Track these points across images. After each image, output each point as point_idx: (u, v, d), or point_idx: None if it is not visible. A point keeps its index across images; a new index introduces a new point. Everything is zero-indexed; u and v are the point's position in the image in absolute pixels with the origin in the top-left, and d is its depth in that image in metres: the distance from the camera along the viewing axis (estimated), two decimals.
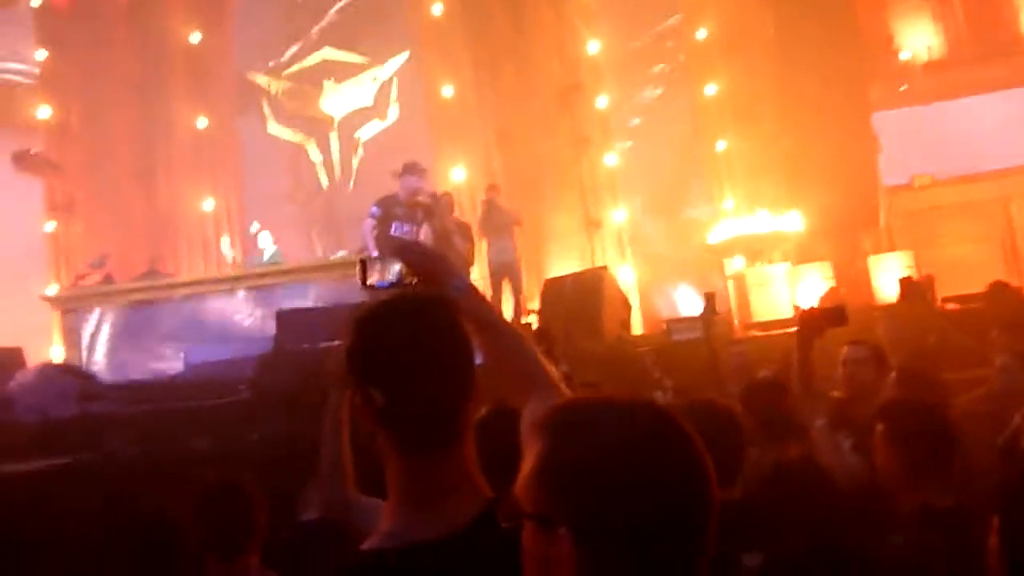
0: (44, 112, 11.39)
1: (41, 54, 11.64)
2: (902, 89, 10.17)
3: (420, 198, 6.77)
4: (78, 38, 11.34)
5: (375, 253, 6.45)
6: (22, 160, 10.25)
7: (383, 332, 1.26)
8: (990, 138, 9.42)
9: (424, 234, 6.94)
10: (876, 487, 2.24)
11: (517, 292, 8.20)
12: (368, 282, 1.63)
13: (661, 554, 0.84)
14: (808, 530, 2.07)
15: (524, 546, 0.89)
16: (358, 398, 1.25)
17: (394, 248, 1.68)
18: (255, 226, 8.86)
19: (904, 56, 10.55)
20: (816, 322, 2.98)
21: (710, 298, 4.11)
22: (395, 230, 6.56)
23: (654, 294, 10.38)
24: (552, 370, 1.48)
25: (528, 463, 0.92)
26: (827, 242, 9.97)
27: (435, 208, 6.96)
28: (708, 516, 0.87)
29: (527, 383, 1.43)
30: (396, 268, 1.62)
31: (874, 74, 10.38)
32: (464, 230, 7.69)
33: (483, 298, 1.57)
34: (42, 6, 11.63)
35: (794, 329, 3.15)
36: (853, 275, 9.11)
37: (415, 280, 1.59)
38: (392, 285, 1.64)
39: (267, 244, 8.76)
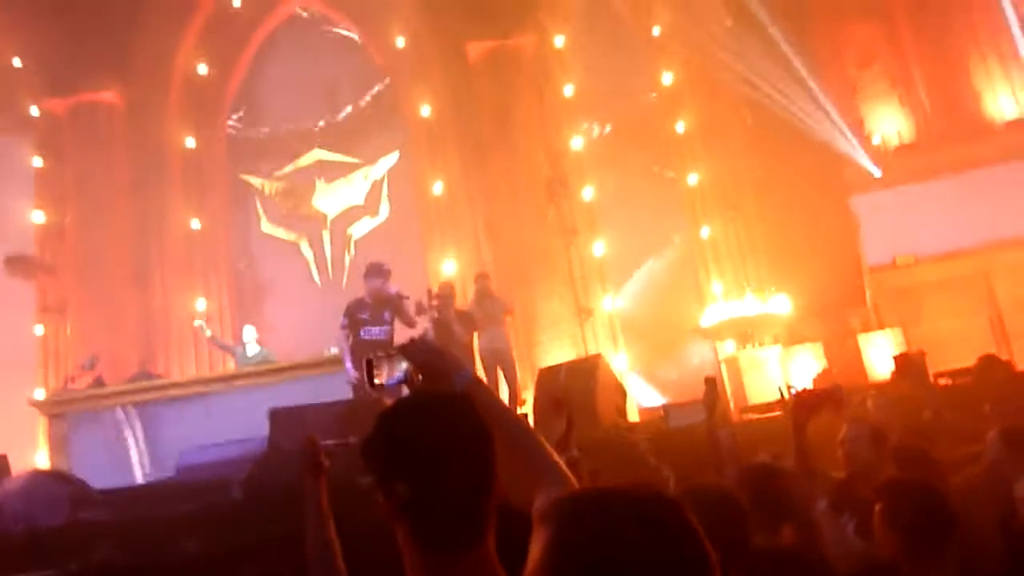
0: (38, 216, 11.57)
1: (37, 161, 11.91)
2: (877, 176, 10.52)
3: (386, 294, 6.93)
4: (74, 143, 11.65)
5: (348, 364, 6.71)
6: (15, 264, 10.34)
7: (408, 427, 1.28)
8: (966, 216, 9.69)
9: (403, 329, 7.04)
10: (876, 570, 2.22)
11: (511, 382, 8.12)
12: (375, 382, 1.67)
13: None
14: None
15: None
16: (380, 492, 1.26)
17: (399, 347, 1.72)
18: (199, 322, 8.91)
19: (876, 141, 10.95)
20: (811, 404, 3.01)
21: (711, 383, 4.11)
22: (364, 335, 6.74)
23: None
24: (558, 460, 1.50)
25: (536, 552, 0.94)
26: (815, 323, 10.09)
27: (402, 303, 7.00)
28: None
29: (535, 473, 1.45)
30: (403, 366, 1.66)
31: (848, 159, 10.75)
32: (465, 320, 7.75)
33: (488, 390, 1.61)
34: (41, 115, 11.98)
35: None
36: (844, 354, 9.17)
37: (420, 377, 1.63)
38: (399, 383, 1.67)
39: (251, 340, 8.71)
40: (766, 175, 10.94)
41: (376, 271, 7.00)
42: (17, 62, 11.98)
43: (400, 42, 12.13)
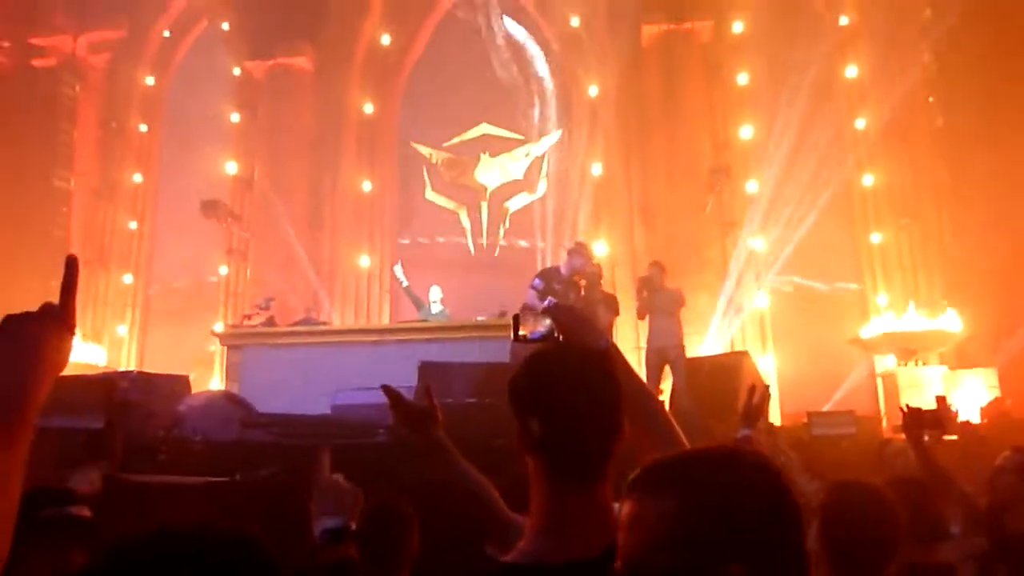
0: (231, 167, 12.70)
1: (235, 116, 13.06)
2: None
3: (578, 278, 7.15)
4: (267, 102, 12.67)
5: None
6: (209, 208, 11.42)
7: (549, 370, 1.40)
8: None
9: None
10: None
11: (678, 379, 7.43)
12: (520, 333, 1.82)
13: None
14: None
15: None
16: (519, 427, 1.39)
17: (546, 308, 1.87)
18: (399, 269, 9.22)
19: None
20: (916, 422, 2.90)
21: (754, 392, 4.01)
22: (549, 303, 6.89)
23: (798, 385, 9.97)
24: (680, 435, 1.58)
25: (652, 522, 1.01)
26: (991, 346, 9.30)
27: (592, 283, 7.21)
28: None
29: (654, 442, 1.53)
30: (546, 323, 1.81)
31: None
32: (610, 302, 7.65)
33: (624, 360, 1.71)
34: (242, 74, 13.11)
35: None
36: (1022, 383, 8.42)
37: (561, 336, 1.77)
38: (541, 338, 1.82)
39: (436, 299, 9.14)
40: (951, 182, 10.14)
41: (580, 250, 7.35)
42: (225, 26, 13.15)
43: (575, 21, 12.21)
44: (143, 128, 13.63)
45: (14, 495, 0.93)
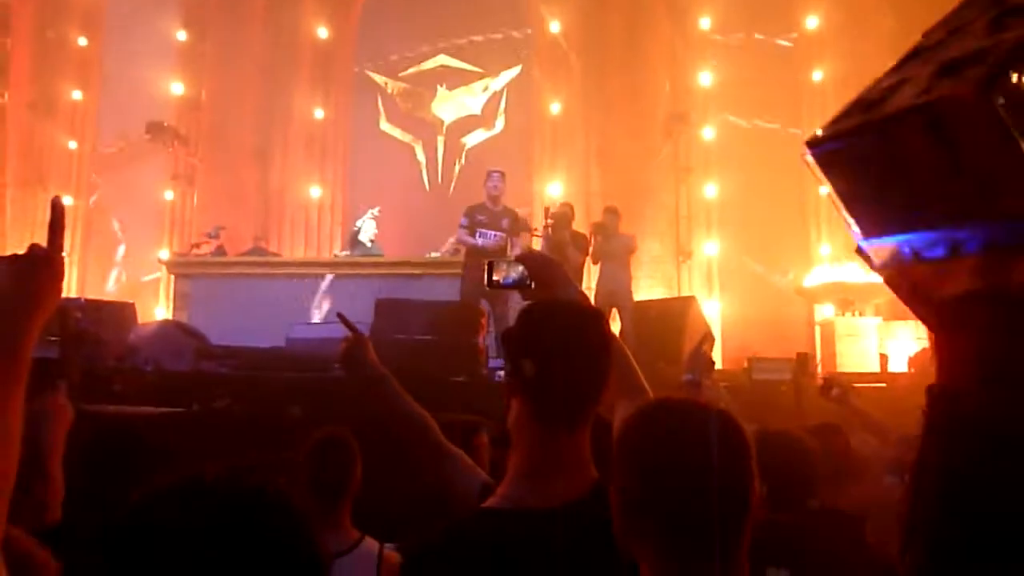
0: (177, 88, 12.20)
1: (181, 35, 12.48)
2: None
3: (509, 207, 7.39)
4: (217, 22, 12.13)
5: (478, 240, 7.15)
6: (155, 130, 11.02)
7: (546, 318, 1.48)
8: None
9: (514, 240, 7.40)
10: None
11: (625, 321, 7.64)
12: (493, 279, 1.88)
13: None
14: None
15: None
16: (509, 369, 1.45)
17: (519, 255, 1.93)
18: (372, 212, 9.11)
19: None
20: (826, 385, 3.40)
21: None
22: (479, 236, 7.01)
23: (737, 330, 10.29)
24: (642, 378, 1.72)
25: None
26: None
27: (520, 218, 7.32)
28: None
29: (623, 384, 1.66)
30: (519, 270, 1.87)
31: None
32: (580, 241, 7.71)
33: (591, 305, 1.79)
34: None
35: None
36: None
37: (532, 283, 1.84)
38: (513, 284, 1.88)
39: (368, 232, 9.03)
40: None
41: (491, 174, 7.45)
42: None
43: None
44: (83, 41, 12.92)
45: (17, 425, 1.01)
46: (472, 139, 12.57)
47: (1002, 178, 0.64)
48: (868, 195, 0.77)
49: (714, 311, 10.48)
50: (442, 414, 2.24)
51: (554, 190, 11.24)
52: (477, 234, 7.14)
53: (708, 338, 6.97)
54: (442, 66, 12.62)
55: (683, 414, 1.18)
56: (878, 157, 0.74)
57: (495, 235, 7.19)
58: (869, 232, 0.78)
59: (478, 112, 12.61)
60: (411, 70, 12.72)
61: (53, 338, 3.99)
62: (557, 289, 1.78)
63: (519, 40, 12.38)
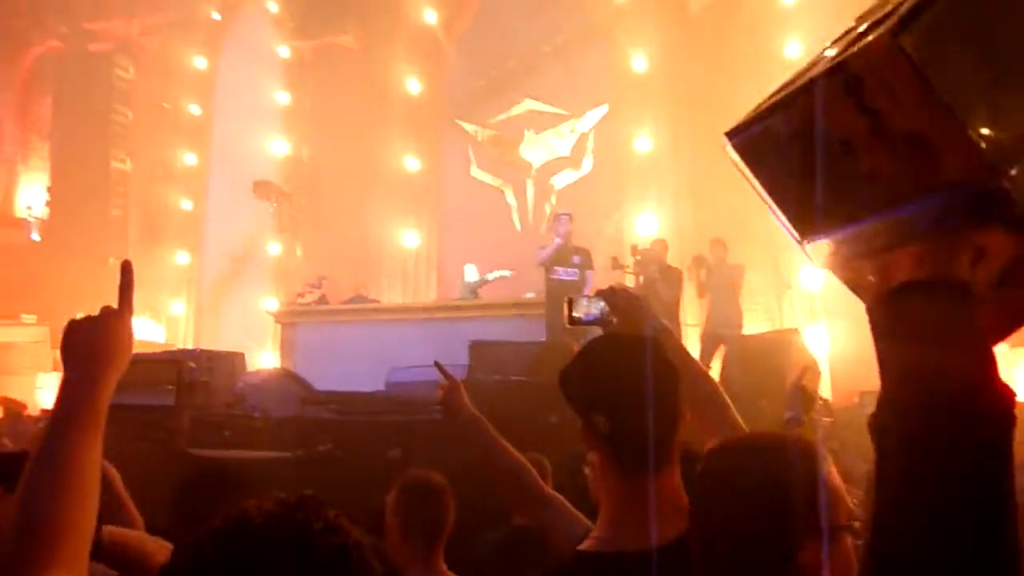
0: (281, 146, 12.91)
1: (283, 97, 13.24)
2: None
3: (577, 244, 7.72)
4: (315, 84, 12.83)
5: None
6: (260, 188, 11.64)
7: (606, 365, 1.44)
8: None
9: (589, 276, 7.68)
10: None
11: (730, 359, 7.22)
12: (573, 315, 1.87)
13: None
14: None
15: None
16: (582, 423, 1.44)
17: (600, 290, 1.91)
18: (470, 271, 9.48)
19: None
20: None
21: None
22: (554, 275, 7.47)
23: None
24: (734, 412, 1.65)
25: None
26: None
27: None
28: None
29: (712, 420, 1.61)
30: (600, 306, 1.85)
31: None
32: (672, 277, 7.65)
33: (678, 343, 1.74)
34: (289, 54, 13.27)
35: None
36: None
37: (614, 319, 1.81)
38: (595, 321, 1.86)
39: (473, 277, 9.30)
40: None
41: (558, 217, 7.85)
42: (272, 7, 13.29)
43: None
44: (195, 109, 13.91)
45: (95, 474, 1.09)
46: (561, 180, 12.68)
47: (933, 137, 0.54)
48: (795, 185, 0.67)
49: (821, 344, 10.05)
50: (529, 453, 2.24)
51: (646, 227, 11.15)
52: (553, 272, 7.37)
53: (809, 373, 6.69)
54: (529, 111, 12.84)
55: (758, 449, 1.14)
56: (797, 137, 0.64)
57: (569, 272, 7.40)
58: (806, 232, 0.68)
59: (567, 154, 12.73)
60: (500, 117, 13.01)
61: (169, 387, 4.24)
62: (640, 324, 1.75)
63: (605, 80, 12.48)
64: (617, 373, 1.42)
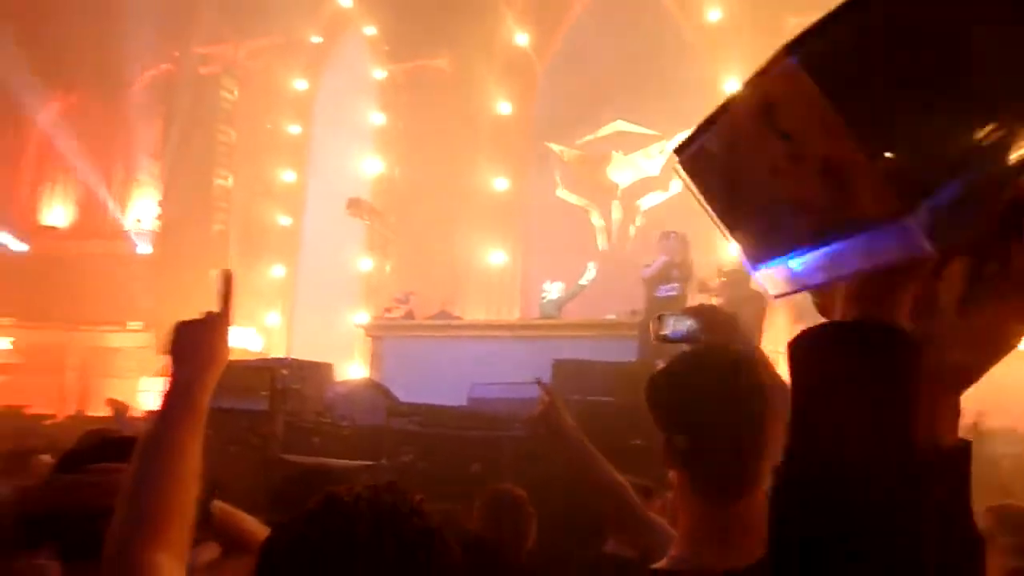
0: (374, 165, 13.30)
1: (378, 118, 13.66)
2: None
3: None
4: (409, 105, 13.19)
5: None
6: (354, 206, 12.00)
7: (689, 384, 1.40)
8: None
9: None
10: None
11: None
12: (661, 333, 1.84)
13: None
14: None
15: None
16: (664, 441, 1.40)
17: (690, 307, 1.89)
18: (549, 287, 9.50)
19: None
20: None
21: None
22: (658, 292, 7.17)
23: None
24: None
25: None
26: None
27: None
28: None
29: None
30: (688, 323, 1.82)
31: None
32: (756, 301, 7.53)
33: (767, 361, 1.69)
34: (385, 77, 13.71)
35: None
36: None
37: (703, 337, 1.78)
38: (683, 338, 1.83)
39: (554, 294, 9.32)
40: None
41: (667, 235, 7.96)
42: (370, 31, 13.77)
43: (714, 15, 11.92)
44: (295, 129, 14.51)
45: (196, 464, 1.16)
46: (647, 201, 12.57)
47: (843, 165, 0.48)
48: (735, 210, 0.61)
49: None
50: (632, 476, 2.21)
51: (734, 250, 10.91)
52: (658, 289, 7.35)
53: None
54: (618, 131, 12.81)
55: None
56: (728, 156, 0.59)
57: (670, 287, 7.37)
58: (753, 256, 0.61)
59: (655, 174, 12.62)
60: (587, 137, 13.02)
61: (264, 393, 4.40)
62: (730, 342, 1.72)
63: (696, 100, 12.33)
64: (700, 391, 1.37)
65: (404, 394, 6.42)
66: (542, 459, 4.62)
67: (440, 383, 7.26)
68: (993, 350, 0.56)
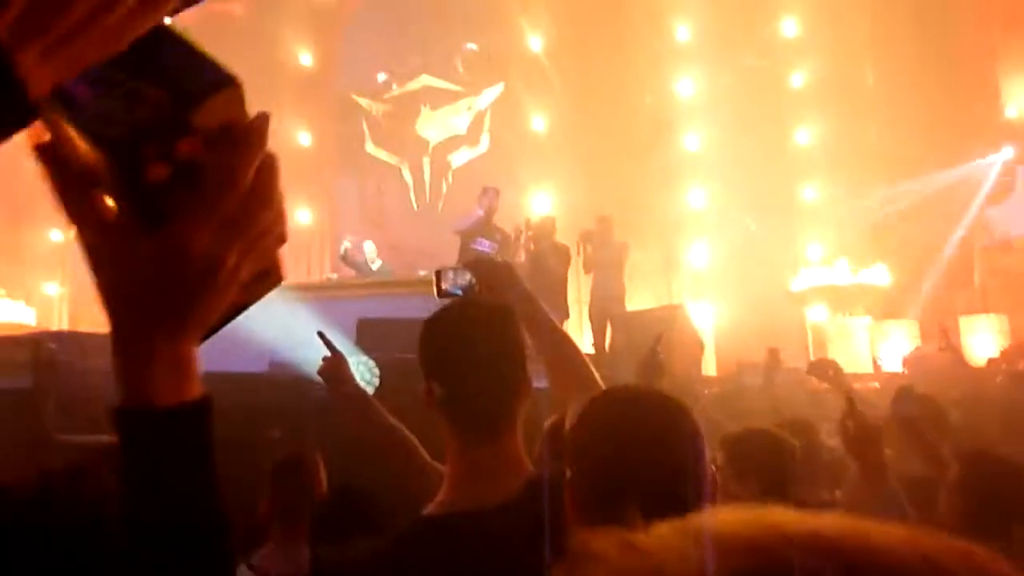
0: None
1: None
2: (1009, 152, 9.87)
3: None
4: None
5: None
6: None
7: (444, 334, 1.44)
8: None
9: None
10: None
11: (617, 334, 7.48)
12: (441, 287, 1.87)
13: None
14: None
15: None
16: (424, 389, 1.43)
17: (466, 262, 1.92)
18: (345, 243, 9.27)
19: (1010, 114, 10.23)
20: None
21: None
22: (474, 245, 7.17)
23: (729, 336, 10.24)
24: (594, 373, 1.71)
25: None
26: (916, 298, 9.71)
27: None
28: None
29: (574, 381, 1.66)
30: (467, 277, 1.86)
31: (976, 129, 10.11)
32: (561, 252, 7.76)
33: (539, 306, 1.77)
34: (171, 20, 12.57)
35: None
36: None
37: (479, 288, 1.83)
38: (462, 291, 1.86)
39: (373, 254, 9.14)
40: (882, 139, 10.43)
41: (486, 191, 7.84)
42: None
43: None
44: None
45: None
46: (458, 158, 12.60)
47: None
48: None
49: (707, 319, 10.43)
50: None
51: (541, 205, 11.23)
52: (473, 243, 7.34)
53: (692, 348, 6.97)
54: (425, 86, 12.67)
55: (633, 400, 1.27)
56: None
57: (490, 245, 7.39)
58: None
59: (463, 131, 12.65)
60: (395, 91, 12.77)
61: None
62: (505, 292, 1.76)
63: (501, 57, 12.44)
64: (453, 341, 1.42)
65: (203, 362, 6.04)
66: (340, 419, 4.56)
67: (240, 350, 6.93)
68: (192, 278, 0.51)
